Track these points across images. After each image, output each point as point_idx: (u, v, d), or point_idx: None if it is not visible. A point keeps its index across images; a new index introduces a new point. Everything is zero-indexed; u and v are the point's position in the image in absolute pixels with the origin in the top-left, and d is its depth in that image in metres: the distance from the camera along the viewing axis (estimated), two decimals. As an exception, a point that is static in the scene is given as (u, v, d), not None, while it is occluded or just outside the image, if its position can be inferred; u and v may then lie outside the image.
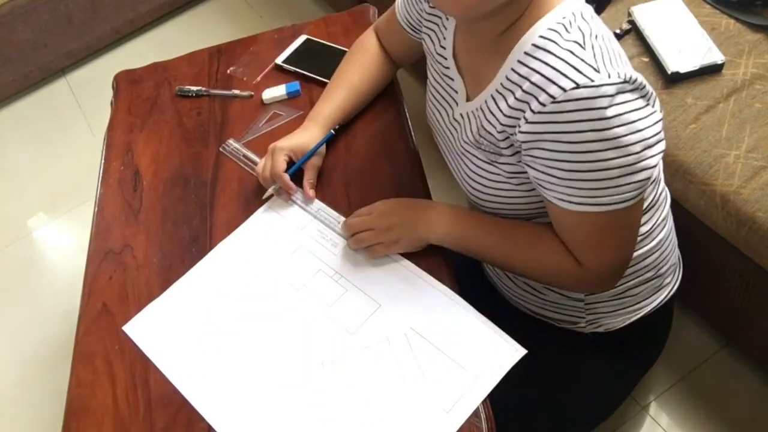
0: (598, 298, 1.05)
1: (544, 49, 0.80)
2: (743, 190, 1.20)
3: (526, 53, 0.82)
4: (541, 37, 0.80)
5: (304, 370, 0.95)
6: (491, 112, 0.88)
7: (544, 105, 0.78)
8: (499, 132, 0.87)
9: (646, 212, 0.97)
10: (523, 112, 0.81)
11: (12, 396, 1.75)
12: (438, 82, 1.03)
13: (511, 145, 0.87)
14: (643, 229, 0.98)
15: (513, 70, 0.83)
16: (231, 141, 1.25)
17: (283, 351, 0.97)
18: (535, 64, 0.80)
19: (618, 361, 1.13)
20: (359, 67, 1.19)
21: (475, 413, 0.88)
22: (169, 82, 1.39)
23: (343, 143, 1.20)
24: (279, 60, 1.35)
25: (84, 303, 1.09)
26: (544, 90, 0.78)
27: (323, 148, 1.15)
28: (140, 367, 1.00)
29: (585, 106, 0.75)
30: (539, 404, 1.07)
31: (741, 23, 1.39)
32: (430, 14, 1.04)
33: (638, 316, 1.09)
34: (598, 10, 0.87)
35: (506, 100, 0.85)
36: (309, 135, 1.13)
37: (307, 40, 1.38)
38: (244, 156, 1.22)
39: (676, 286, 1.12)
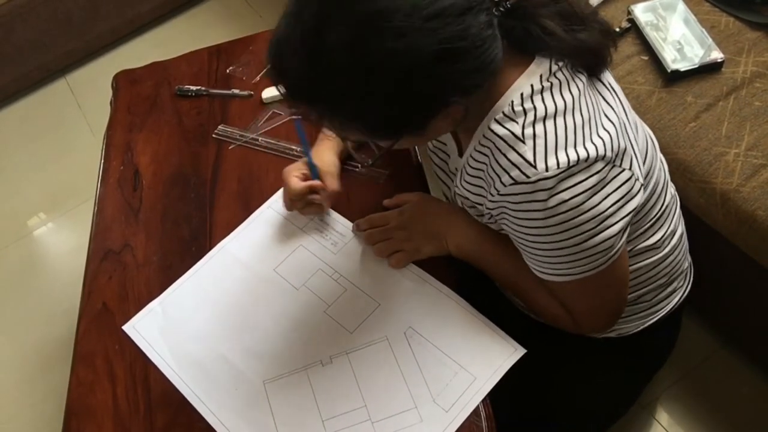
0: None
1: (492, 143, 0.81)
2: (743, 189, 1.19)
3: (482, 141, 0.83)
4: (490, 128, 0.80)
5: (304, 369, 0.95)
6: (466, 183, 0.90)
7: (497, 191, 0.81)
8: (474, 203, 0.91)
9: (654, 224, 0.97)
10: (488, 190, 0.84)
11: (12, 395, 1.74)
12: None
13: (488, 213, 0.89)
14: (653, 240, 0.98)
15: (477, 151, 0.85)
16: (222, 126, 1.27)
17: (283, 350, 0.97)
18: (488, 154, 0.82)
19: (627, 365, 1.12)
20: None
21: (475, 412, 0.88)
22: (168, 81, 1.39)
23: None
24: (278, 59, 1.35)
25: (84, 302, 1.09)
26: (494, 180, 0.81)
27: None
28: (140, 366, 1.00)
29: (525, 199, 0.79)
30: (547, 407, 1.07)
31: (741, 21, 1.39)
32: None
33: (651, 322, 1.08)
34: (596, 72, 0.83)
35: (474, 179, 0.87)
36: (322, 147, 1.12)
37: (307, 39, 1.38)
38: (241, 135, 1.23)
39: (687, 290, 1.12)
